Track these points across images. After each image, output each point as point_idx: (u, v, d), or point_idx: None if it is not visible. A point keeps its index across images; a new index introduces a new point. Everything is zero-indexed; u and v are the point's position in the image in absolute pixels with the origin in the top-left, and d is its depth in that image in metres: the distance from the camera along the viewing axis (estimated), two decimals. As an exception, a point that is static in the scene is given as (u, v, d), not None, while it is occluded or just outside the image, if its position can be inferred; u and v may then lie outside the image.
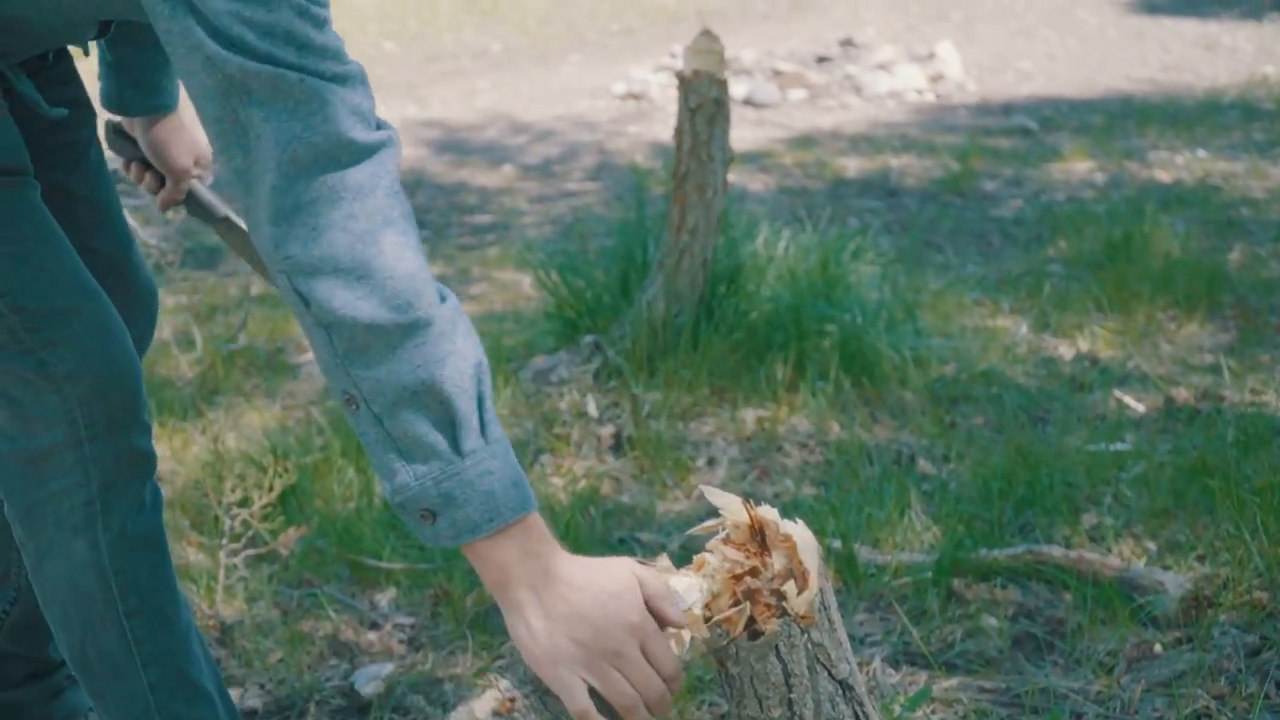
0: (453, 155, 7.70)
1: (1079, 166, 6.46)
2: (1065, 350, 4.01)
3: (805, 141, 7.45)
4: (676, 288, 3.77)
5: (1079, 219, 5.33)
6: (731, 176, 3.96)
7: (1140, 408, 3.55)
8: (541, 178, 6.90)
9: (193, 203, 2.40)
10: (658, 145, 7.48)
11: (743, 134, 7.44)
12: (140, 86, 2.29)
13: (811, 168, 6.76)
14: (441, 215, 6.42)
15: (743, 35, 10.98)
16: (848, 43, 9.63)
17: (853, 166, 6.76)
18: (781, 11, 12.64)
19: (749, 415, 3.59)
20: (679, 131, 3.77)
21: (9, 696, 2.26)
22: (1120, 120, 7.50)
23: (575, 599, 1.49)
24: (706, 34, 3.75)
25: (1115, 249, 4.67)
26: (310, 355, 4.50)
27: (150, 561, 1.99)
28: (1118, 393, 3.62)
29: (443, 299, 1.52)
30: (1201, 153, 6.57)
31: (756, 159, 6.92)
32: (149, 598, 1.98)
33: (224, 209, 2.41)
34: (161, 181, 2.36)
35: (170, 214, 3.09)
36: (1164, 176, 6.15)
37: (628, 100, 8.93)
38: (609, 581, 1.50)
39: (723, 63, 3.75)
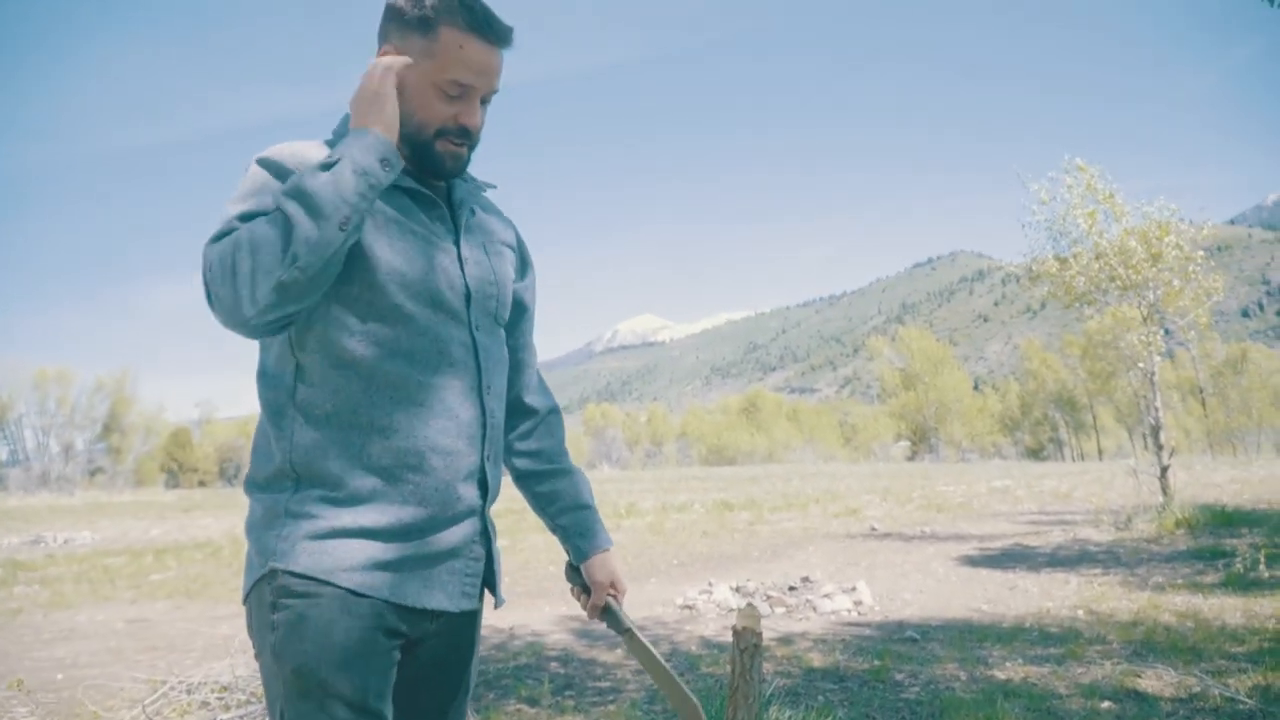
0: (588, 640, 7.73)
1: (949, 665, 6.36)
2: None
3: (787, 641, 7.39)
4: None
5: (952, 705, 5.27)
6: (764, 681, 4.14)
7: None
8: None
9: (608, 614, 2.07)
10: (705, 639, 7.49)
11: (752, 636, 7.51)
12: (584, 536, 2.05)
13: (793, 660, 6.70)
14: (579, 681, 6.35)
15: (745, 570, 11.30)
16: (805, 579, 9.82)
17: (817, 659, 6.71)
18: (767, 556, 12.94)
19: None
20: (733, 661, 3.81)
21: None
22: (967, 635, 7.39)
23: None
24: (750, 606, 4.06)
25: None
26: None
27: None
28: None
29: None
30: (1019, 659, 6.45)
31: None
32: None
33: (629, 622, 2.07)
34: (589, 596, 2.09)
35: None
36: (999, 674, 6.04)
37: (684, 609, 8.98)
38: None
39: (758, 621, 4.04)
